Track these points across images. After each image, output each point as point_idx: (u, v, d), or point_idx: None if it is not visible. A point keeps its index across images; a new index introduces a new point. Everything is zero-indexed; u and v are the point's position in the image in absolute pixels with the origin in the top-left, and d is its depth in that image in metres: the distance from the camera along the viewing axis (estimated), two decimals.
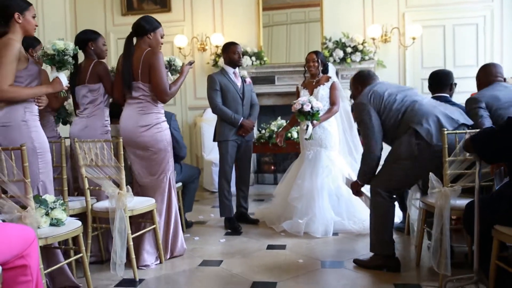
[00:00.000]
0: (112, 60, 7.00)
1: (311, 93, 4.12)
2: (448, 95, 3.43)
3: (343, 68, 6.35)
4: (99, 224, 3.02)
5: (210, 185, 6.22)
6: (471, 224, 2.27)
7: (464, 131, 2.57)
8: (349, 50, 6.24)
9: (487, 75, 3.18)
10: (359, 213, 3.93)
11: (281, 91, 6.64)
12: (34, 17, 2.65)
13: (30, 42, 3.16)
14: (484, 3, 6.28)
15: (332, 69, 4.38)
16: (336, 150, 4.12)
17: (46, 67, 2.85)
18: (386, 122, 2.91)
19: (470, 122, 2.81)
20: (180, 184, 3.97)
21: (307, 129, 3.91)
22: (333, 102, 4.10)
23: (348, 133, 4.32)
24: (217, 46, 6.55)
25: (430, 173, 2.60)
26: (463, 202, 2.53)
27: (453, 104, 3.26)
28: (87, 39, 3.37)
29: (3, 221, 2.07)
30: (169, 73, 3.44)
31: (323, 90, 4.09)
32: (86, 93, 3.29)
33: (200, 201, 5.55)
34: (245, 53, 6.45)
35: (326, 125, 4.07)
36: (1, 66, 2.45)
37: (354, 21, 6.42)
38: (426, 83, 5.50)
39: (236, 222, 4.10)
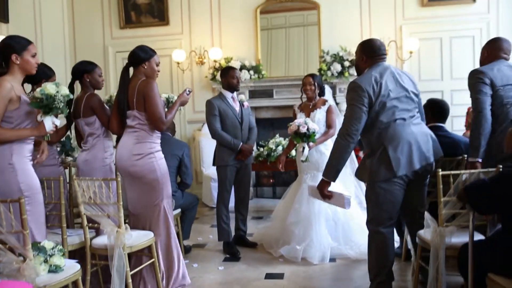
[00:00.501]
0: (111, 76, 7.03)
1: (307, 116, 4.13)
2: (444, 125, 3.45)
3: (341, 82, 6.37)
4: (98, 261, 3.04)
5: (209, 201, 6.25)
6: (466, 268, 2.30)
7: (458, 171, 2.59)
8: (346, 63, 6.25)
9: (496, 49, 3.14)
10: (355, 237, 3.96)
11: (280, 104, 6.67)
12: (34, 56, 2.66)
13: (44, 73, 3.21)
14: (480, 15, 6.30)
15: (328, 91, 4.39)
16: None
17: None
18: (369, 116, 2.79)
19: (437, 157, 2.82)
20: (179, 210, 4.00)
21: (303, 151, 3.94)
22: (329, 125, 4.12)
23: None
24: (215, 61, 6.56)
25: (426, 212, 2.62)
26: (459, 240, 2.56)
27: (447, 135, 3.29)
28: (83, 71, 3.41)
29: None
30: (166, 109, 3.42)
31: (319, 114, 4.11)
32: (84, 126, 3.34)
33: (200, 219, 5.59)
34: (243, 66, 6.48)
35: (323, 149, 4.09)
36: None
37: (351, 34, 6.42)
38: (423, 96, 5.57)
39: (234, 246, 4.13)
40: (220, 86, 6.21)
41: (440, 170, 2.58)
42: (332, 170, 2.90)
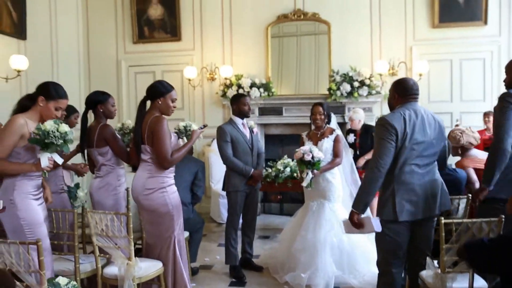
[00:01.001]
0: (123, 89, 7.17)
1: (315, 145, 4.20)
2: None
3: (350, 102, 6.42)
4: None
5: (217, 217, 6.35)
6: None
7: (461, 220, 2.64)
8: (356, 84, 6.30)
9: None
10: (360, 267, 4.01)
11: (289, 122, 6.74)
12: (57, 109, 2.76)
13: (67, 110, 3.30)
14: (491, 38, 6.32)
15: (334, 119, 4.43)
16: (339, 202, 4.21)
17: None
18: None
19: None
20: (187, 234, 4.10)
21: (306, 177, 4.02)
22: (336, 154, 4.18)
23: (351, 184, 4.40)
24: (226, 78, 6.65)
25: (428, 258, 2.68)
26: (460, 286, 2.62)
27: (449, 172, 3.33)
28: (96, 101, 3.50)
29: None
30: (184, 138, 3.47)
31: (327, 143, 4.18)
32: (97, 156, 3.45)
33: (207, 236, 5.69)
34: (253, 84, 6.57)
35: (330, 178, 4.16)
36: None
37: (362, 54, 6.50)
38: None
39: (241, 270, 4.22)
40: (229, 102, 6.34)
41: (442, 218, 2.64)
42: (361, 202, 2.91)
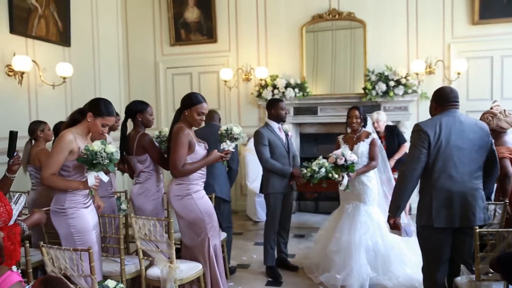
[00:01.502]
0: (161, 90, 7.40)
1: (351, 149, 4.25)
2: None
3: (386, 101, 6.38)
4: None
5: (253, 215, 6.48)
6: None
7: (495, 230, 2.64)
8: (392, 83, 6.25)
9: None
10: (394, 269, 4.05)
11: (324, 121, 6.76)
12: (104, 126, 2.92)
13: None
14: None
15: (370, 122, 4.47)
16: (375, 205, 4.24)
17: None
18: (428, 159, 2.89)
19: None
20: (225, 235, 4.24)
21: (342, 180, 4.08)
22: (372, 157, 4.21)
23: (386, 186, 4.42)
24: (261, 79, 6.75)
25: (462, 265, 2.70)
26: None
27: None
28: (136, 110, 3.67)
29: None
30: (228, 141, 3.52)
31: (363, 147, 4.22)
32: (136, 163, 3.62)
33: (244, 234, 5.83)
34: (288, 84, 6.64)
35: (365, 181, 4.20)
36: (50, 156, 2.84)
37: (398, 53, 6.44)
38: (471, 115, 5.49)
39: (277, 271, 4.33)
40: (265, 102, 6.43)
41: (477, 228, 2.65)
42: (394, 206, 3.07)
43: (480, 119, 3.87)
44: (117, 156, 2.88)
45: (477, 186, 2.90)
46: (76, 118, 2.96)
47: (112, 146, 2.85)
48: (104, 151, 2.76)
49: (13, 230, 2.24)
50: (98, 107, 2.90)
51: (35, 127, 3.99)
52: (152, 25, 7.35)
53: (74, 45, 6.13)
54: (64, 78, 5.58)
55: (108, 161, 2.79)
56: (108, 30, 7.02)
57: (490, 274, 2.66)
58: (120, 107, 7.05)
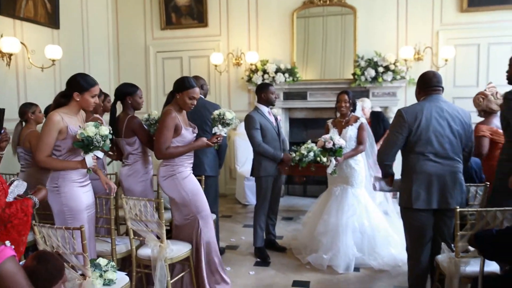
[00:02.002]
0: (151, 74, 7.38)
1: (340, 133, 4.33)
2: None
3: (374, 87, 6.46)
4: (142, 270, 3.40)
5: (242, 198, 6.57)
6: None
7: (475, 209, 2.75)
8: (381, 69, 6.32)
9: None
10: (380, 249, 4.16)
11: (313, 106, 6.83)
12: (93, 97, 2.95)
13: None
14: None
15: (359, 106, 4.54)
16: (362, 188, 4.34)
17: None
18: (408, 143, 3.04)
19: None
20: (215, 216, 4.30)
21: (330, 164, 4.16)
22: (360, 141, 4.29)
23: (373, 169, 4.51)
24: (251, 64, 6.77)
25: (443, 243, 2.81)
26: (474, 269, 2.74)
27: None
28: (125, 93, 3.69)
29: None
30: (220, 125, 3.52)
31: (351, 131, 4.29)
32: (125, 145, 3.66)
33: (233, 217, 5.92)
34: (278, 69, 6.67)
35: (353, 164, 4.28)
36: (41, 139, 2.86)
37: (387, 40, 6.50)
38: (457, 102, 5.62)
39: (265, 251, 4.43)
40: (255, 87, 6.46)
41: (458, 207, 2.75)
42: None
43: (473, 99, 3.99)
44: (110, 136, 2.93)
45: (456, 170, 3.02)
46: (61, 102, 2.96)
47: (105, 127, 2.90)
48: (99, 134, 2.82)
49: (25, 203, 2.29)
50: (79, 84, 2.90)
51: (26, 109, 4.00)
52: (142, 8, 7.30)
53: (63, 28, 6.09)
54: (53, 60, 5.56)
55: (103, 142, 2.85)
56: (98, 13, 6.96)
57: (469, 252, 2.76)
58: (110, 90, 7.02)
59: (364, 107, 5.61)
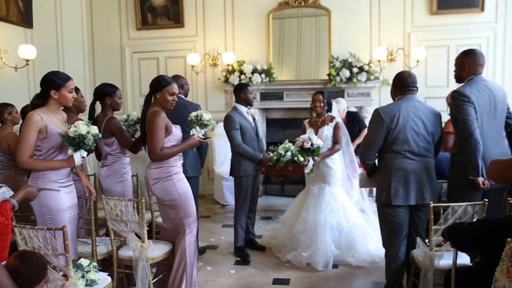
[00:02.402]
0: (127, 74, 7.33)
1: (316, 132, 4.42)
2: None
3: (349, 87, 6.59)
4: (124, 270, 3.39)
5: (220, 198, 6.59)
6: None
7: (448, 204, 2.87)
8: (355, 70, 6.46)
9: (477, 65, 3.14)
10: (357, 246, 4.26)
11: (290, 107, 6.92)
12: (70, 91, 2.95)
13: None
14: (488, 24, 6.45)
15: (335, 107, 4.64)
16: (339, 186, 4.43)
17: None
18: (386, 141, 3.16)
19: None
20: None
21: (308, 164, 4.25)
22: (336, 141, 4.38)
23: (349, 168, 4.62)
24: (228, 64, 6.81)
25: (418, 238, 2.93)
26: (447, 263, 2.86)
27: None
28: (105, 93, 3.67)
29: None
30: (197, 127, 3.48)
31: (327, 130, 4.38)
32: (103, 146, 3.65)
33: (212, 217, 5.94)
34: (255, 70, 6.73)
35: (330, 163, 4.37)
36: (21, 140, 2.84)
37: (361, 41, 6.64)
38: (429, 102, 5.79)
39: (245, 250, 4.48)
40: (232, 87, 6.52)
41: (431, 202, 2.87)
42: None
43: (446, 98, 4.16)
44: (99, 136, 2.99)
45: (430, 166, 3.17)
46: (38, 103, 2.94)
47: (95, 127, 2.95)
48: (91, 133, 2.87)
49: (4, 206, 2.26)
50: (53, 81, 2.89)
51: (3, 110, 3.93)
52: (117, 8, 7.23)
53: (36, 27, 5.98)
54: (27, 60, 5.45)
55: (92, 141, 2.89)
56: (72, 12, 6.86)
57: (442, 245, 2.89)
58: (85, 91, 6.95)
59: (339, 109, 5.72)
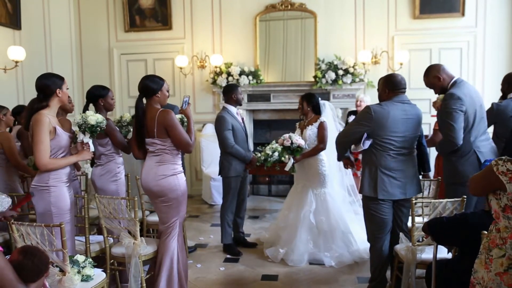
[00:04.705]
0: (115, 76, 7.37)
1: (301, 133, 4.55)
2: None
3: (335, 89, 6.75)
4: (116, 267, 3.47)
5: (208, 198, 6.68)
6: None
7: (429, 200, 3.02)
8: (341, 72, 6.62)
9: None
10: (336, 246, 4.35)
11: (276, 108, 7.05)
12: (68, 88, 3.10)
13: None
14: (468, 29, 6.67)
15: (328, 108, 4.68)
16: (325, 186, 4.49)
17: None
18: (373, 137, 3.27)
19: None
20: (187, 215, 4.41)
21: (288, 162, 4.38)
22: (319, 140, 4.48)
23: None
24: (216, 66, 6.91)
25: (401, 233, 3.07)
26: (429, 256, 3.00)
27: None
28: (98, 95, 3.74)
29: None
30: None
31: (310, 130, 4.49)
32: (97, 146, 3.71)
33: (200, 217, 6.03)
34: (242, 72, 6.85)
35: (313, 162, 4.47)
36: (38, 143, 2.89)
37: (346, 44, 6.81)
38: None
39: (235, 247, 4.58)
40: (219, 89, 6.63)
41: (414, 198, 3.02)
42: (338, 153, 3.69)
43: (433, 102, 4.34)
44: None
45: (415, 163, 3.35)
46: (37, 107, 2.99)
47: (98, 114, 3.27)
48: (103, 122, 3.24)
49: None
50: (55, 80, 3.01)
51: None
52: (105, 10, 7.29)
53: (24, 28, 6.01)
54: (17, 62, 5.48)
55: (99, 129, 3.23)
56: (60, 14, 6.90)
57: (423, 240, 3.03)
58: (73, 93, 7.00)
59: (362, 100, 5.95)
